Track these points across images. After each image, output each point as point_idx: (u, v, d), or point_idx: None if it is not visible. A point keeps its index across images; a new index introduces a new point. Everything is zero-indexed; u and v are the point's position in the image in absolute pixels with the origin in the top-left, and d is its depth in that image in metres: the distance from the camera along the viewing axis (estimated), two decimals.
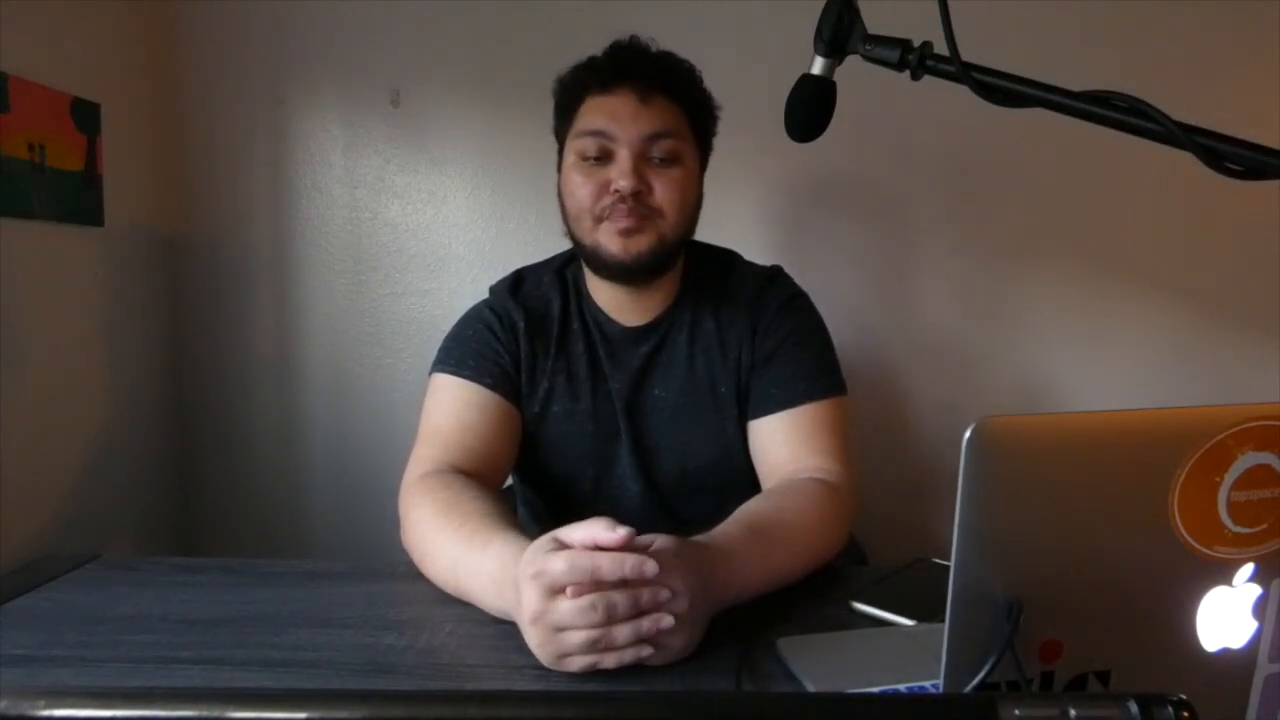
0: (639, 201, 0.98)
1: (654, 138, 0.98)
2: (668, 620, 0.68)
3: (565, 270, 1.12)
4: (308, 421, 1.68)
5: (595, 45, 1.05)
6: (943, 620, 0.48)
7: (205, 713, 0.32)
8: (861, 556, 1.24)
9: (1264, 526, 0.51)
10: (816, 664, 0.70)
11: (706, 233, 1.10)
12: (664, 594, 0.68)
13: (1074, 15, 1.55)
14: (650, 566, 0.66)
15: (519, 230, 1.64)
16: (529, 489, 1.15)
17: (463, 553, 0.81)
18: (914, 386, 1.66)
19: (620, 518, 0.70)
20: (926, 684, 0.66)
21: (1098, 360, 1.65)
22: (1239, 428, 0.49)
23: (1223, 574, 0.51)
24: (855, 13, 0.74)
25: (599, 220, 1.00)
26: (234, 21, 1.60)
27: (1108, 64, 1.55)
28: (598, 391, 1.06)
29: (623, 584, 0.67)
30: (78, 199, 1.38)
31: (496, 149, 1.62)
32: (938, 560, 0.94)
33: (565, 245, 1.10)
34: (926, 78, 0.72)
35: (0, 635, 0.78)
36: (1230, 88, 1.56)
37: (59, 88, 1.33)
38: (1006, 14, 1.52)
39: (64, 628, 0.80)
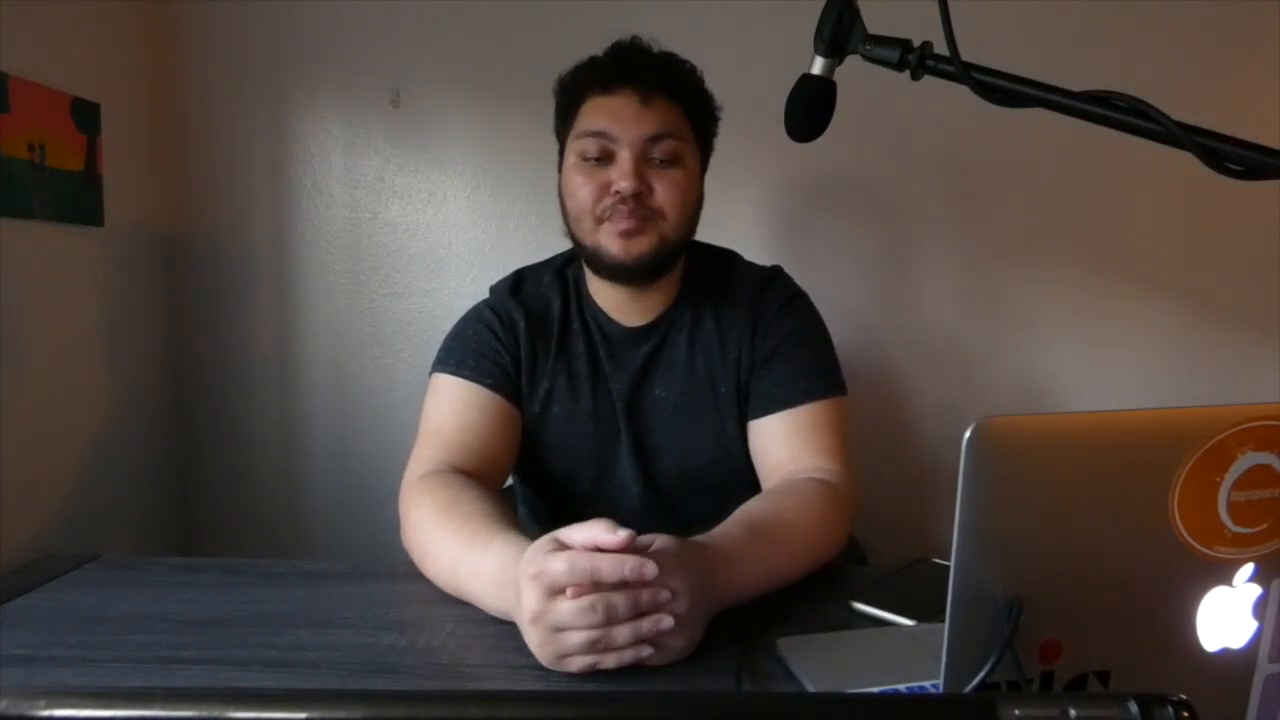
0: (640, 203, 0.98)
1: (655, 139, 0.98)
2: (667, 621, 0.68)
3: (565, 270, 1.12)
4: (308, 421, 1.68)
5: (595, 45, 1.05)
6: (943, 620, 0.48)
7: (205, 713, 0.32)
8: (861, 556, 1.24)
9: (1264, 526, 0.51)
10: (816, 664, 0.70)
11: (706, 233, 1.10)
12: (664, 595, 0.68)
13: (1074, 15, 1.55)
14: (650, 568, 0.66)
15: (519, 230, 1.64)
16: (529, 489, 1.15)
17: (463, 553, 0.81)
18: (914, 386, 1.66)
19: (620, 518, 0.70)
20: (926, 684, 0.66)
21: (1098, 360, 1.65)
22: (1239, 428, 0.49)
23: (1223, 574, 0.51)
24: (855, 13, 0.74)
25: (600, 221, 1.00)
26: (234, 21, 1.60)
27: (1108, 64, 1.55)
28: (598, 391, 1.06)
29: (622, 585, 0.67)
30: (78, 199, 1.38)
31: (496, 149, 1.62)
32: (938, 560, 0.94)
33: (565, 245, 1.10)
34: (926, 78, 0.72)
35: (0, 635, 0.78)
36: (1230, 88, 1.56)
37: (59, 88, 1.33)
38: (1006, 14, 1.52)
39: (64, 628, 0.80)
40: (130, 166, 1.51)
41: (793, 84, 0.79)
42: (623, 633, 0.67)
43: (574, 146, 1.02)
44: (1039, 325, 1.64)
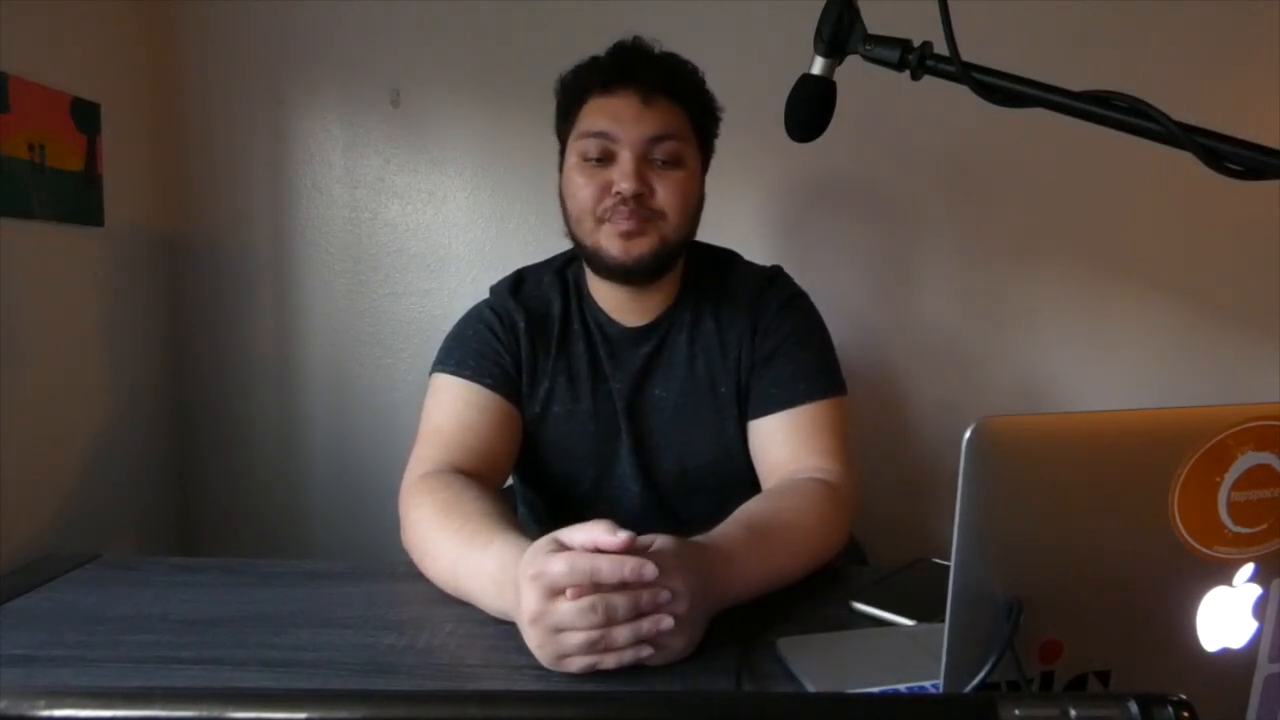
0: (640, 204, 0.98)
1: (656, 140, 0.98)
2: (667, 622, 0.68)
3: (566, 270, 1.12)
4: (308, 421, 1.68)
5: (595, 45, 1.05)
6: (943, 620, 0.48)
7: (205, 713, 0.32)
8: (861, 556, 1.24)
9: (1264, 526, 0.51)
10: (816, 664, 0.70)
11: (706, 233, 1.10)
12: (664, 595, 0.68)
13: (1074, 15, 1.55)
14: (650, 569, 0.66)
15: (519, 230, 1.64)
16: (529, 489, 1.15)
17: (463, 553, 0.81)
18: (914, 386, 1.66)
19: (620, 517, 0.70)
20: (926, 684, 0.66)
21: (1098, 360, 1.65)
22: (1239, 428, 0.49)
23: (1223, 574, 0.51)
24: (855, 13, 0.74)
25: (600, 222, 1.00)
26: (234, 21, 1.60)
27: (1108, 64, 1.55)
28: (598, 392, 1.06)
29: (622, 586, 0.67)
30: (78, 199, 1.38)
31: (496, 149, 1.62)
32: (938, 560, 0.94)
33: (565, 245, 1.10)
34: (926, 78, 0.72)
35: (0, 635, 0.78)
36: (1230, 88, 1.56)
37: (59, 88, 1.33)
38: (1006, 14, 1.52)
39: (64, 628, 0.80)
40: (130, 166, 1.51)
41: (793, 84, 0.79)
42: (622, 633, 0.67)
43: (575, 147, 1.02)
44: (1039, 325, 1.64)
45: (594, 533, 0.68)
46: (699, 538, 0.79)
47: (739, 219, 1.58)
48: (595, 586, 0.67)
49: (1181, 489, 0.49)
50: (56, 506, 1.34)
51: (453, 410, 1.01)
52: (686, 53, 1.06)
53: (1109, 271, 1.63)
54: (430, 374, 1.06)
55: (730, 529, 0.83)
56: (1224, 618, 0.52)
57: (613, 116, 0.99)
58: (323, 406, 1.68)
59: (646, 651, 0.68)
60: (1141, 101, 0.64)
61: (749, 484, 1.03)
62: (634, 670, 0.69)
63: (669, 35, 1.06)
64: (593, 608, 0.66)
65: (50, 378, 1.32)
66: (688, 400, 1.06)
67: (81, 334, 1.41)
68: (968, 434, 0.45)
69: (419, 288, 1.65)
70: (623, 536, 0.67)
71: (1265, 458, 0.49)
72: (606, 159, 0.99)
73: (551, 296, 1.09)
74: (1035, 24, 1.55)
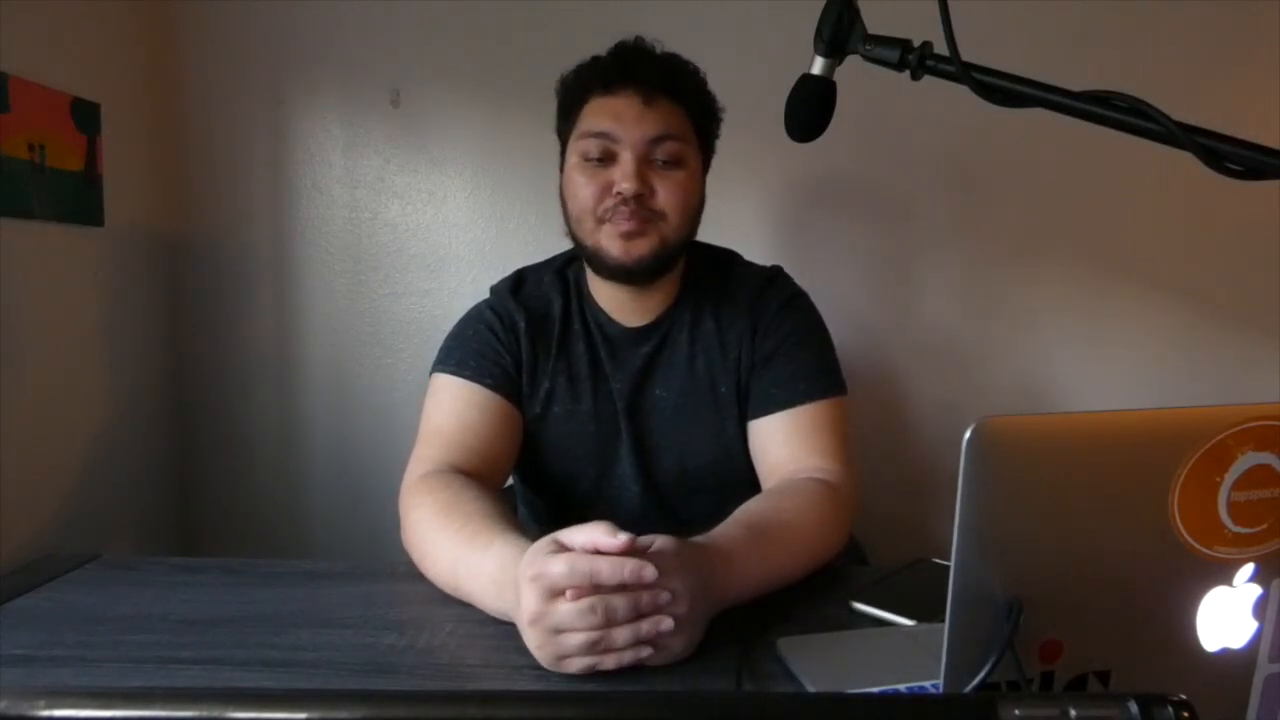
0: (641, 204, 0.98)
1: (657, 140, 0.98)
2: (667, 623, 0.68)
3: (566, 270, 1.12)
4: (308, 421, 1.68)
5: (595, 45, 1.05)
6: (943, 620, 0.48)
7: (205, 713, 0.32)
8: (861, 556, 1.24)
9: (1264, 526, 0.51)
10: (816, 664, 0.70)
11: (707, 233, 1.10)
12: (664, 597, 0.68)
13: (1074, 15, 1.55)
14: (649, 571, 0.66)
15: (519, 230, 1.64)
16: (529, 489, 1.15)
17: (463, 553, 0.81)
18: (914, 386, 1.66)
19: (620, 517, 0.70)
20: (926, 684, 0.66)
21: (1098, 360, 1.65)
22: (1239, 428, 0.49)
23: (1223, 574, 0.51)
24: (855, 13, 0.74)
25: (601, 222, 1.00)
26: (234, 21, 1.60)
27: (1108, 64, 1.55)
28: (599, 392, 1.06)
29: (622, 588, 0.67)
30: (78, 199, 1.38)
31: (496, 149, 1.62)
32: (938, 560, 0.94)
33: (565, 245, 1.10)
34: (926, 78, 0.72)
35: (0, 635, 0.78)
36: (1230, 88, 1.56)
37: (59, 88, 1.33)
38: (1006, 14, 1.52)
39: (64, 628, 0.80)
40: (130, 166, 1.51)
41: (793, 84, 0.79)
42: (622, 634, 0.67)
43: (576, 146, 1.02)
44: (1039, 325, 1.64)
45: (594, 534, 0.68)
46: (699, 538, 0.79)
47: (739, 219, 1.58)
48: (595, 588, 0.67)
49: (1181, 489, 0.49)
50: (56, 506, 1.34)
51: (453, 410, 1.01)
52: (686, 53, 1.06)
53: (1109, 271, 1.63)
54: (430, 374, 1.06)
55: (730, 529, 0.83)
56: (1224, 618, 0.52)
57: (614, 116, 0.99)
58: (323, 406, 1.68)
59: (646, 652, 0.68)
60: (1141, 101, 0.64)
61: (749, 484, 1.03)
62: (634, 670, 0.69)
63: (669, 35, 1.06)
64: (592, 609, 0.66)
65: (50, 378, 1.32)
66: (688, 400, 1.06)
67: (81, 334, 1.41)
68: (968, 434, 0.45)
69: (419, 288, 1.65)
70: (623, 538, 0.67)
71: (1265, 458, 0.49)
72: (607, 159, 0.99)
73: (552, 296, 1.09)
74: (1035, 24, 1.55)
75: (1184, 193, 1.57)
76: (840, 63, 0.77)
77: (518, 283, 1.11)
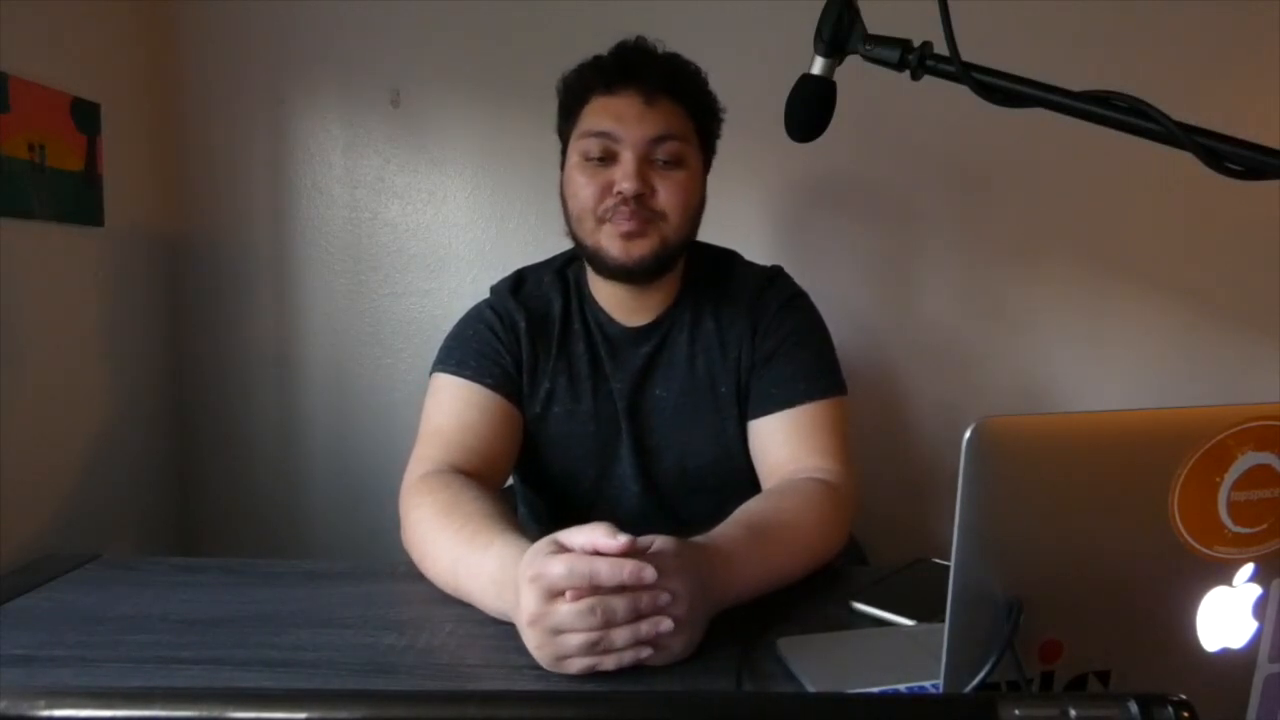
0: (641, 204, 0.98)
1: (658, 140, 0.98)
2: (667, 624, 0.68)
3: (566, 270, 1.12)
4: (308, 421, 1.68)
5: (595, 45, 1.05)
6: (943, 620, 0.48)
7: (205, 713, 0.32)
8: (861, 556, 1.24)
9: (1264, 526, 0.51)
10: (816, 664, 0.70)
11: (707, 233, 1.10)
12: (663, 598, 0.68)
13: (1074, 15, 1.55)
14: (649, 573, 0.66)
15: (519, 230, 1.64)
16: (529, 489, 1.15)
17: (464, 553, 0.81)
18: (914, 386, 1.66)
19: (620, 517, 0.71)
20: (926, 684, 0.66)
21: (1098, 360, 1.65)
22: (1239, 428, 0.49)
23: (1223, 574, 0.51)
24: (855, 13, 0.74)
25: (601, 221, 1.00)
26: (234, 21, 1.60)
27: (1108, 64, 1.55)
28: (599, 392, 1.06)
29: (621, 589, 0.67)
30: (78, 199, 1.38)
31: (496, 149, 1.62)
32: (938, 560, 0.94)
33: (565, 245, 1.10)
34: (926, 78, 0.72)
35: (0, 635, 0.78)
36: (1230, 88, 1.56)
37: (59, 88, 1.33)
38: (1006, 14, 1.52)
39: (64, 628, 0.80)
40: (130, 166, 1.51)
41: (793, 84, 0.79)
42: (621, 635, 0.67)
43: (577, 146, 1.02)
44: (1039, 325, 1.64)
45: (594, 535, 0.68)
46: (699, 538, 0.79)
47: (739, 219, 1.58)
48: (594, 589, 0.67)
49: (1181, 489, 0.49)
50: (56, 506, 1.34)
51: (453, 410, 1.01)
52: (686, 53, 1.06)
53: (1109, 271, 1.63)
54: (430, 374, 1.06)
55: (730, 529, 0.83)
56: (1224, 618, 0.52)
57: (615, 116, 0.99)
58: (323, 406, 1.68)
59: (646, 653, 0.68)
60: (1141, 101, 0.64)
61: (749, 484, 1.03)
62: (634, 670, 0.69)
63: (669, 35, 1.06)
64: (591, 610, 0.66)
65: (50, 378, 1.32)
66: (688, 400, 1.06)
67: (81, 334, 1.41)
68: (968, 434, 0.45)
69: (419, 288, 1.65)
70: (622, 540, 0.67)
71: (1265, 458, 0.49)
72: (608, 159, 0.99)
73: (552, 296, 1.09)
74: (1035, 24, 1.55)
75: (1184, 193, 1.57)
76: (840, 63, 0.77)
77: (518, 282, 1.11)
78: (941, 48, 0.70)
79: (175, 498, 1.67)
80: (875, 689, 0.66)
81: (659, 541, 0.72)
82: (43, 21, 1.30)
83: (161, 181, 1.61)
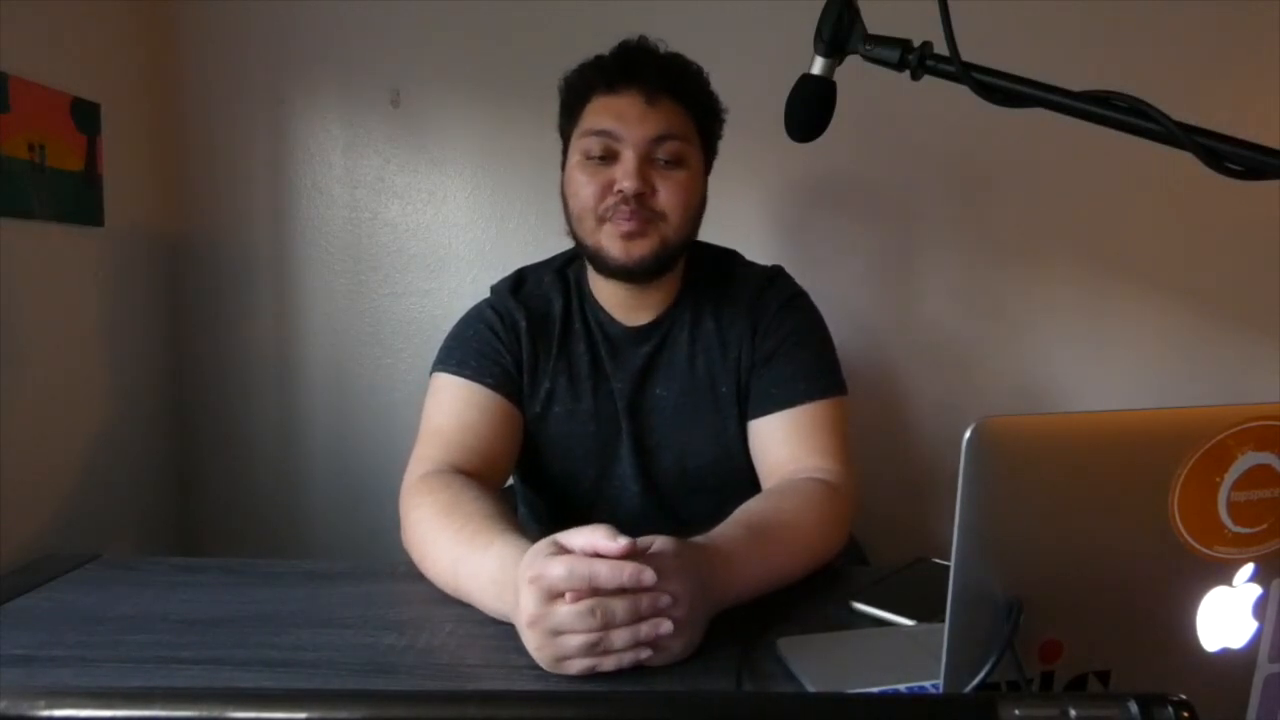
0: (642, 204, 0.98)
1: (659, 140, 0.98)
2: (666, 626, 0.68)
3: (566, 270, 1.12)
4: (308, 421, 1.68)
5: (596, 45, 1.05)
6: (943, 620, 0.48)
7: (205, 713, 0.32)
8: (861, 556, 1.24)
9: (1264, 526, 0.50)
10: (816, 664, 0.70)
11: (708, 232, 1.10)
12: (663, 600, 0.68)
13: (1074, 15, 1.55)
14: (648, 575, 0.66)
15: (519, 230, 1.64)
16: (530, 489, 1.15)
17: (464, 554, 0.81)
18: (914, 386, 1.66)
19: (620, 517, 0.71)
20: (926, 684, 0.66)
21: (1098, 360, 1.65)
22: (1239, 428, 0.49)
23: (1223, 574, 0.51)
24: (855, 13, 0.74)
25: (602, 221, 1.00)
26: (234, 21, 1.60)
27: (1108, 64, 1.55)
28: (599, 391, 1.06)
29: (621, 591, 0.67)
30: (78, 199, 1.38)
31: (496, 149, 1.62)
32: (938, 560, 0.94)
33: (566, 245, 1.10)
34: (927, 78, 0.72)
35: (0, 635, 0.78)
36: (1230, 88, 1.56)
37: (59, 88, 1.33)
38: (1006, 14, 1.52)
39: (64, 628, 0.80)
40: (130, 166, 1.51)
41: (793, 84, 0.79)
42: (621, 636, 0.67)
43: (578, 145, 1.01)
44: (1039, 325, 1.64)
45: (594, 537, 0.68)
46: (699, 538, 0.79)
47: (739, 219, 1.58)
48: (594, 591, 0.67)
49: (1181, 489, 0.49)
50: (56, 506, 1.34)
51: (453, 410, 1.01)
52: (686, 52, 1.06)
53: (1109, 271, 1.63)
54: (430, 374, 1.06)
55: (730, 529, 0.83)
56: (1224, 618, 0.52)
57: (616, 115, 0.99)
58: (323, 406, 1.68)
59: (645, 654, 0.68)
60: (1141, 101, 0.64)
61: (749, 484, 1.03)
62: (634, 670, 0.69)
63: (669, 35, 1.06)
64: (591, 611, 0.66)
65: (50, 378, 1.32)
66: (688, 400, 1.06)
67: (81, 334, 1.41)
68: (968, 434, 0.45)
69: (419, 288, 1.65)
70: (622, 542, 0.67)
71: (1265, 458, 0.49)
72: (609, 158, 0.99)
73: (552, 296, 1.09)
74: (1035, 24, 1.55)
75: (1184, 193, 1.57)
76: (840, 63, 0.77)
77: (518, 282, 1.11)
78: (941, 48, 0.70)
79: (175, 498, 1.67)
80: (875, 689, 0.66)
81: (659, 542, 0.72)
82: (43, 21, 1.30)
83: (161, 181, 1.61)
